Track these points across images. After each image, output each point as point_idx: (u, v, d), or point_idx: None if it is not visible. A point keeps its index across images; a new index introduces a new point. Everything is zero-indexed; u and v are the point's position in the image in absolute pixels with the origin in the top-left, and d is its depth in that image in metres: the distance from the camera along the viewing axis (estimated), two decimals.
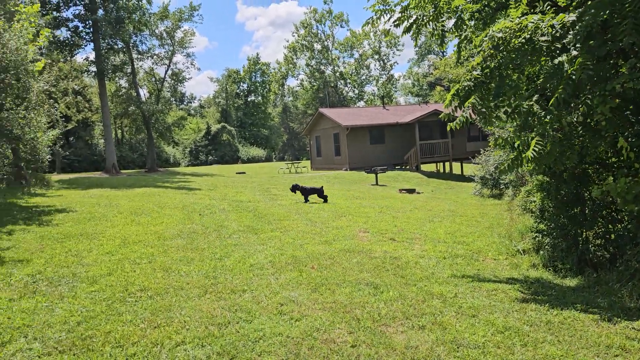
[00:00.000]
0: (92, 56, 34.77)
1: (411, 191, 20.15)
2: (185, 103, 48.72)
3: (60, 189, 18.52)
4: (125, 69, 38.73)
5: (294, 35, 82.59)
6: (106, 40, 33.92)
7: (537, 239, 8.58)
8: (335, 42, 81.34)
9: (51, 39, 24.72)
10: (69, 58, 35.58)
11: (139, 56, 40.51)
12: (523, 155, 5.17)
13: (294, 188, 15.87)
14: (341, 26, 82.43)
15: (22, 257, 7.54)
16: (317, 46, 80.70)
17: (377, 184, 23.29)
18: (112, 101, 40.22)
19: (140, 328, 4.91)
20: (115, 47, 35.36)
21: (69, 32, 33.11)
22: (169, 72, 44.09)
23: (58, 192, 17.15)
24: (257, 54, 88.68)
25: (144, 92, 45.98)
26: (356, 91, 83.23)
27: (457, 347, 4.59)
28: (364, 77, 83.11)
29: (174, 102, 45.62)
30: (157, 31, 41.20)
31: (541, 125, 5.15)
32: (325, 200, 15.42)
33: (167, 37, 42.36)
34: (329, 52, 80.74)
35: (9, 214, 11.41)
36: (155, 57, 42.36)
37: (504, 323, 5.18)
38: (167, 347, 4.51)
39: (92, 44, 33.78)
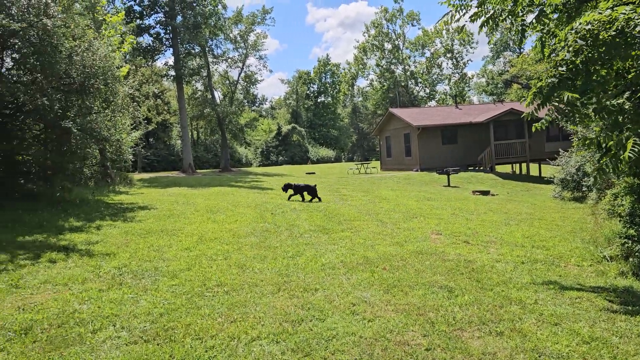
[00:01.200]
0: (171, 61, 36.48)
1: (485, 193, 19.49)
2: (257, 104, 50.26)
3: (141, 188, 19.61)
4: (202, 72, 40.32)
5: (364, 36, 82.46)
6: (184, 45, 35.49)
7: (626, 245, 8.01)
8: (406, 41, 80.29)
9: (135, 45, 26.20)
10: (150, 63, 37.53)
11: (214, 60, 42.09)
12: (621, 157, 4.75)
13: (286, 187, 15.53)
14: (412, 25, 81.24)
15: (109, 251, 8.05)
16: (388, 46, 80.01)
17: (449, 185, 22.73)
18: (188, 104, 42.04)
19: (218, 322, 5.08)
20: (193, 51, 36.92)
21: (151, 38, 34.99)
22: (242, 74, 45.51)
23: (140, 191, 18.16)
24: (327, 55, 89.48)
25: (218, 95, 47.78)
26: (427, 90, 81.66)
27: (539, 356, 4.38)
28: (435, 76, 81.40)
29: (246, 103, 47.16)
30: (231, 35, 42.61)
31: (634, 124, 4.79)
32: (313, 199, 15.01)
33: (240, 41, 43.73)
34: (400, 52, 79.79)
35: (97, 210, 12.22)
36: (229, 60, 43.92)
37: (590, 333, 4.89)
38: (244, 341, 4.64)
39: (171, 49, 35.48)
